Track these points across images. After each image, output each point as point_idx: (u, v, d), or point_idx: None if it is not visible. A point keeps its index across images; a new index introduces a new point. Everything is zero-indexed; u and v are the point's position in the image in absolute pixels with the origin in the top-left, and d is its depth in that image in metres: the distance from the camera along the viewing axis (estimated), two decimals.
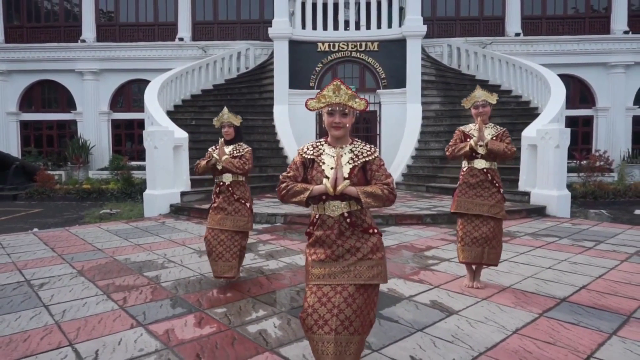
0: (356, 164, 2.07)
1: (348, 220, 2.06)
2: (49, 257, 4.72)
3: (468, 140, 3.63)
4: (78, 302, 3.33)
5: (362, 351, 2.11)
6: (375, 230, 2.11)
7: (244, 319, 3.01)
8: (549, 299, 3.37)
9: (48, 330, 2.80)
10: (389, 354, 2.47)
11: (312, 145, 2.18)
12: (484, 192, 3.57)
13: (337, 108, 2.06)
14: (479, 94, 3.61)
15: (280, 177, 2.14)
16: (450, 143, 3.76)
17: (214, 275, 3.69)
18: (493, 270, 4.08)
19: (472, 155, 3.59)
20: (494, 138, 3.55)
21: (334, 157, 2.08)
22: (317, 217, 2.11)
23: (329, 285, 2.01)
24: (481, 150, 3.53)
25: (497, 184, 3.57)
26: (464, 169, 3.67)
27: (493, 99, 3.60)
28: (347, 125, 2.09)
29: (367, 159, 2.09)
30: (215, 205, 3.73)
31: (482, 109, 3.59)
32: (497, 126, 3.70)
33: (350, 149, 2.12)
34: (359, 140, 2.18)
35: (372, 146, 2.18)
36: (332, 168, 2.05)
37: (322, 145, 2.17)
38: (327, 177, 2.04)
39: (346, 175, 2.03)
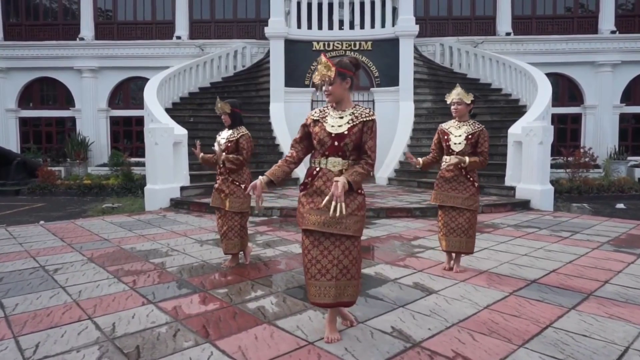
0: (355, 123, 2.48)
1: None
2: (59, 246, 5.02)
3: (445, 142, 3.91)
4: (92, 284, 3.65)
5: (359, 293, 2.66)
6: (361, 192, 2.53)
7: (243, 297, 3.33)
8: (520, 281, 3.71)
9: (68, 307, 3.12)
10: (373, 324, 2.80)
11: (319, 110, 2.62)
12: (459, 186, 3.86)
13: (325, 79, 2.50)
14: (455, 92, 3.86)
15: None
16: (433, 142, 4.09)
17: (223, 252, 4.23)
18: (473, 257, 4.42)
19: (449, 152, 3.90)
20: (470, 136, 3.81)
21: (335, 118, 2.51)
22: (317, 169, 2.51)
23: (329, 240, 2.44)
24: (456, 148, 3.84)
25: (471, 178, 3.85)
26: (443, 163, 3.99)
27: (468, 98, 3.82)
28: (335, 91, 2.49)
29: (364, 119, 2.49)
30: (216, 186, 4.19)
31: (456, 106, 3.88)
32: (477, 124, 3.87)
33: (352, 112, 2.52)
34: (361, 106, 2.59)
35: (371, 109, 2.61)
36: (332, 126, 2.48)
37: (328, 109, 2.59)
38: (329, 132, 2.47)
39: (345, 132, 2.46)
